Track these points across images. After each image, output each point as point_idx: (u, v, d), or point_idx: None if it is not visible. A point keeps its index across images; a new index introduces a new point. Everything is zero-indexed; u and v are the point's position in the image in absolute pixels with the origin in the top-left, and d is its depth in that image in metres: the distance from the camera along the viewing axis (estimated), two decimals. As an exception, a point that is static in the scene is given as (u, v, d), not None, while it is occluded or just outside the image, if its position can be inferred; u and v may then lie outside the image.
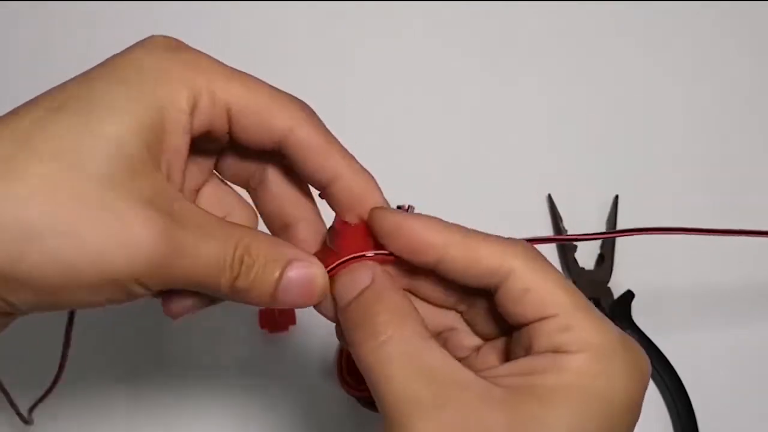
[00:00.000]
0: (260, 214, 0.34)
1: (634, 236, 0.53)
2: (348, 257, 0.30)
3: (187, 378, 0.49)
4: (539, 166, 0.56)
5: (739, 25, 0.62)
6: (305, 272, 0.29)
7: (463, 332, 0.33)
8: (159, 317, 0.50)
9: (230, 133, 0.30)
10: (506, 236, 0.30)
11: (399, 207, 0.52)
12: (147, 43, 0.29)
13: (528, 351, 0.28)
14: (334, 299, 0.30)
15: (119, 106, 0.27)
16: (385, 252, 0.30)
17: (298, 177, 0.32)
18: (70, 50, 0.58)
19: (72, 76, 0.28)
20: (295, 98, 0.31)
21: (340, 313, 0.30)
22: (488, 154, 0.56)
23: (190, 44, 0.30)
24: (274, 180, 0.33)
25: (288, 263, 0.29)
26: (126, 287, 0.27)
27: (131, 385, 0.48)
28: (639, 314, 0.51)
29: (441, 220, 0.30)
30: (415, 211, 0.52)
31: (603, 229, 0.53)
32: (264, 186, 0.33)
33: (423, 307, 0.32)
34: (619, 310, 0.50)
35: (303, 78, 0.58)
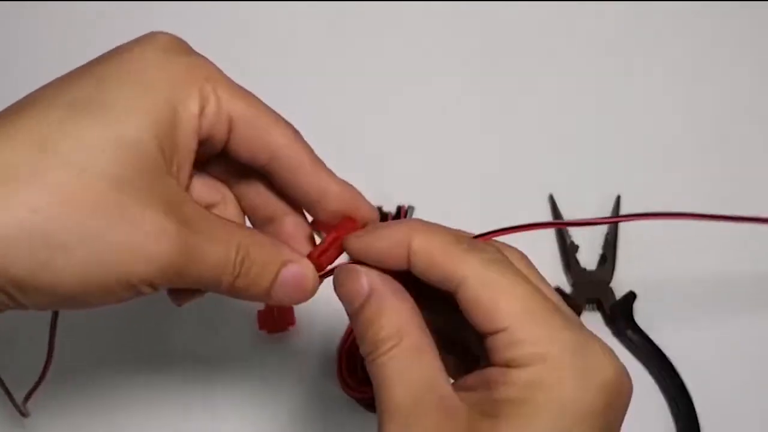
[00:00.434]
0: (242, 207, 0.35)
1: (637, 235, 0.53)
2: (334, 266, 0.32)
3: (186, 378, 0.49)
4: (541, 166, 0.56)
5: (740, 24, 0.61)
6: (297, 272, 0.31)
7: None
8: (157, 313, 0.50)
9: (226, 142, 0.31)
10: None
11: (398, 207, 0.52)
12: (154, 41, 0.30)
13: (489, 361, 0.28)
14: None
15: (134, 108, 0.27)
16: None
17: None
18: (68, 48, 0.58)
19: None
20: (285, 119, 0.32)
21: (351, 322, 0.31)
22: (489, 154, 0.56)
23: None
24: (257, 182, 0.34)
25: (283, 264, 0.31)
26: (137, 289, 0.28)
27: (130, 385, 0.48)
28: (641, 315, 0.50)
29: (401, 224, 0.30)
30: (416, 211, 0.52)
31: (605, 229, 0.53)
32: (247, 185, 0.34)
33: None
34: (621, 311, 0.50)
35: (304, 78, 0.58)
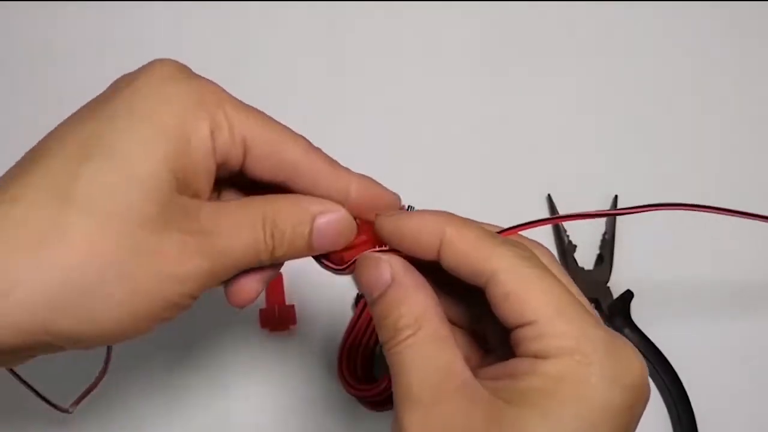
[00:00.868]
0: None
1: (635, 234, 0.53)
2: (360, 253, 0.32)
3: (188, 377, 0.49)
4: (539, 166, 0.56)
5: (742, 24, 0.62)
6: (331, 220, 0.31)
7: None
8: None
9: (243, 162, 0.31)
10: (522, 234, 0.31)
11: (399, 207, 0.52)
12: (157, 71, 0.30)
13: (514, 355, 0.29)
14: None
15: (145, 144, 0.28)
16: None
17: None
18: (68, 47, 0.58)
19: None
20: (294, 132, 0.32)
21: (370, 309, 0.31)
22: (488, 154, 0.56)
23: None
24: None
25: (313, 218, 0.31)
26: (180, 305, 0.29)
27: (131, 383, 0.49)
28: (638, 314, 0.51)
29: (436, 213, 0.30)
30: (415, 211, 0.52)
31: (603, 229, 0.54)
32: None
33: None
34: (618, 310, 0.51)
35: (304, 79, 0.58)
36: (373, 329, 0.47)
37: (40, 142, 0.29)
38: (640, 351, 0.49)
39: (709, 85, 0.59)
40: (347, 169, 0.33)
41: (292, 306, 0.49)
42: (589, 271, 0.52)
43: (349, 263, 0.32)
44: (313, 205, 0.31)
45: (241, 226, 0.30)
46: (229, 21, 0.60)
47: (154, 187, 0.27)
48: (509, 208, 0.54)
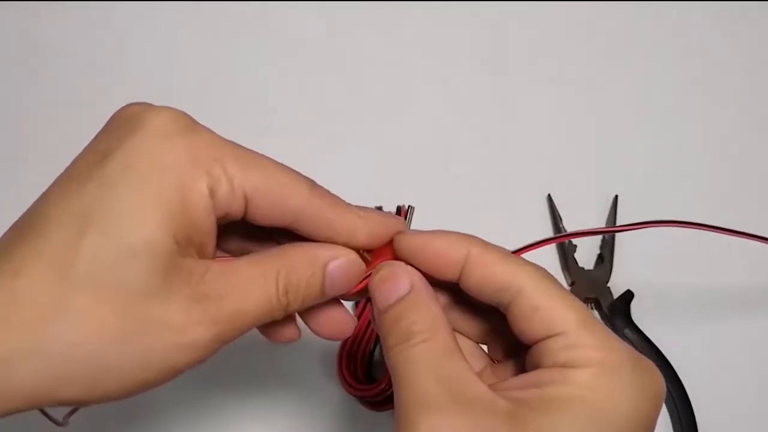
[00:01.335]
0: None
1: (635, 233, 0.53)
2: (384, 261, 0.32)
3: (186, 377, 0.49)
4: (539, 166, 0.56)
5: (744, 24, 0.62)
6: (341, 263, 0.31)
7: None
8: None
9: (244, 214, 0.30)
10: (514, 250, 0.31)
11: (398, 207, 0.53)
12: (152, 127, 0.28)
13: (537, 367, 0.29)
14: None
15: (142, 210, 0.27)
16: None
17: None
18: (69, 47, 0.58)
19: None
20: (298, 174, 0.31)
21: (378, 315, 0.31)
22: (488, 155, 0.56)
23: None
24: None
25: (325, 266, 0.31)
26: (183, 371, 0.29)
27: None
28: (638, 314, 0.51)
29: (460, 234, 0.31)
30: (415, 211, 0.52)
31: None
32: (276, 237, 0.34)
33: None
34: (618, 310, 0.51)
35: (305, 80, 0.59)
36: (374, 329, 0.47)
37: (37, 206, 0.28)
38: (640, 351, 0.49)
39: (710, 85, 0.60)
40: (351, 209, 0.32)
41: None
42: (589, 271, 0.52)
43: (355, 292, 0.33)
44: (323, 253, 0.31)
45: (253, 285, 0.30)
46: (226, 22, 0.60)
47: (154, 255, 0.27)
48: (509, 208, 0.54)
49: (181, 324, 0.28)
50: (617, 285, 0.52)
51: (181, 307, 0.28)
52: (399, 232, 0.32)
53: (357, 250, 0.32)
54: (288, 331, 0.34)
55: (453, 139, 0.57)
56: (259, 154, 0.30)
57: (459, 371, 0.28)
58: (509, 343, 0.32)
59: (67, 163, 0.29)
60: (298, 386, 0.49)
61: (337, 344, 0.48)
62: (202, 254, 0.29)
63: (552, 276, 0.30)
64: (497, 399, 0.28)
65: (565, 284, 0.52)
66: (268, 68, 0.59)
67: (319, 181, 0.32)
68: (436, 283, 0.31)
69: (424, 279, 0.31)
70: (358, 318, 0.48)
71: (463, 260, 0.30)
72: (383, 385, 0.45)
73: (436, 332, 0.29)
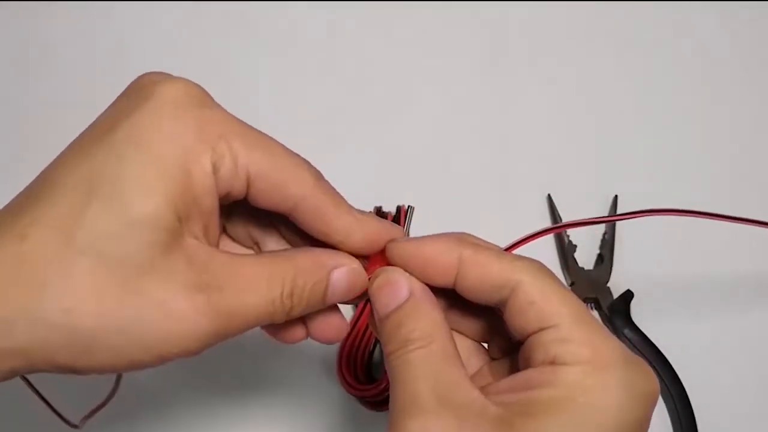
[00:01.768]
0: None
1: (635, 233, 0.53)
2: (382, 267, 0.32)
3: (186, 377, 0.49)
4: (539, 166, 0.56)
5: (744, 24, 0.62)
6: (345, 271, 0.31)
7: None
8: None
9: (246, 194, 0.30)
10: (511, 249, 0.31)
11: (398, 207, 0.53)
12: (165, 96, 0.28)
13: (527, 363, 0.29)
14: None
15: (147, 182, 0.27)
16: None
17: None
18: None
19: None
20: (303, 160, 0.31)
21: (379, 322, 0.31)
22: (488, 154, 0.56)
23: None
24: (285, 230, 0.34)
25: (329, 273, 0.31)
26: (173, 360, 0.29)
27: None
28: (638, 314, 0.51)
29: (450, 237, 0.31)
30: (415, 211, 0.52)
31: (603, 229, 0.54)
32: (279, 223, 0.34)
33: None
34: (618, 310, 0.51)
35: (305, 80, 0.59)
36: (373, 329, 0.47)
37: (47, 171, 0.29)
38: (639, 351, 0.50)
39: (710, 85, 0.60)
40: (352, 211, 0.32)
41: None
42: (589, 271, 0.52)
43: (354, 297, 0.33)
44: (329, 260, 0.31)
45: (258, 284, 0.29)
46: (226, 21, 0.60)
47: (154, 228, 0.27)
48: (509, 208, 0.54)
49: (178, 308, 0.27)
50: (617, 285, 0.52)
51: (181, 291, 0.27)
52: (392, 240, 0.32)
53: (356, 256, 0.32)
54: (297, 332, 0.34)
55: (453, 139, 0.57)
56: (268, 136, 0.30)
57: (453, 377, 0.28)
58: (507, 342, 0.32)
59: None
60: (298, 386, 0.49)
61: (337, 345, 0.48)
62: (206, 236, 0.29)
63: (548, 270, 0.30)
64: (488, 405, 0.27)
65: (565, 284, 0.52)
66: (268, 68, 0.59)
67: (319, 181, 0.32)
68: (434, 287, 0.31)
69: (423, 285, 0.31)
70: (358, 318, 0.48)
71: (457, 264, 0.30)
72: (383, 385, 0.45)
73: (434, 339, 0.29)
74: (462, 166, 0.56)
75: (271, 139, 0.30)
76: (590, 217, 0.53)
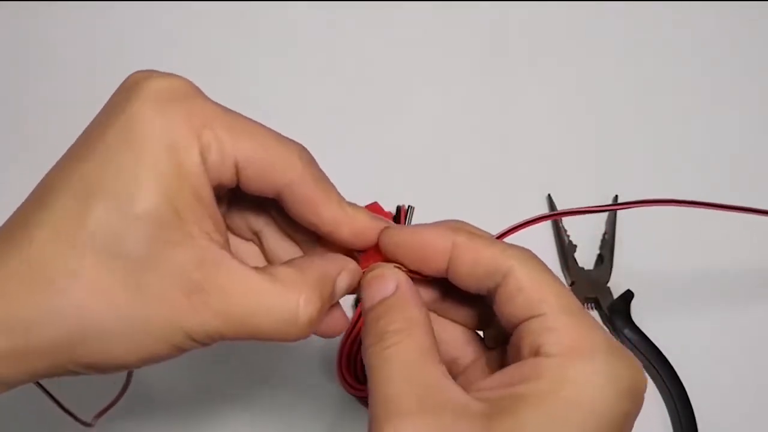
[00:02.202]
0: (267, 257, 0.35)
1: (635, 234, 0.53)
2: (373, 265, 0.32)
3: (191, 377, 0.49)
4: (539, 166, 0.56)
5: (741, 24, 0.62)
6: (345, 276, 0.32)
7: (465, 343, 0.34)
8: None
9: (237, 182, 0.31)
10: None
11: (398, 207, 0.53)
12: (148, 91, 0.29)
13: (516, 353, 0.29)
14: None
15: (141, 179, 0.27)
16: (401, 267, 0.32)
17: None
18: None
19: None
20: (295, 146, 0.31)
21: (364, 316, 0.31)
22: (488, 154, 0.56)
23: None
24: (281, 219, 0.34)
25: (334, 282, 0.31)
26: (189, 350, 0.29)
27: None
28: (638, 314, 0.51)
29: (445, 224, 0.31)
30: (415, 211, 0.52)
31: (603, 229, 0.54)
32: (271, 227, 0.34)
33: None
34: (618, 310, 0.51)
35: (305, 79, 0.59)
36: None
37: (46, 178, 0.29)
38: (639, 351, 0.50)
39: (710, 85, 0.60)
40: (342, 201, 0.32)
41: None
42: (589, 271, 0.52)
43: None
44: (333, 269, 0.31)
45: (264, 297, 0.29)
46: (225, 21, 0.60)
47: (153, 225, 0.27)
48: (509, 208, 0.54)
49: (180, 305, 0.28)
50: (617, 285, 0.52)
51: (179, 286, 0.28)
52: (386, 228, 0.32)
53: (349, 251, 0.33)
54: (337, 317, 0.34)
55: (453, 139, 0.57)
56: (255, 122, 0.30)
57: (432, 375, 0.28)
58: (497, 332, 0.32)
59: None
60: (299, 386, 0.49)
61: (337, 344, 0.48)
62: (217, 230, 0.29)
63: (538, 258, 0.30)
64: (471, 402, 0.27)
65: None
66: (267, 68, 0.59)
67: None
68: (426, 276, 0.31)
69: (409, 281, 0.31)
70: (358, 318, 0.48)
71: (450, 249, 0.30)
72: (383, 385, 0.45)
73: (411, 333, 0.29)
74: (462, 166, 0.56)
75: (260, 125, 0.30)
76: (592, 226, 0.53)
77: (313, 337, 0.50)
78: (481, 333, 0.34)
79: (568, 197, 0.54)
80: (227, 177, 0.30)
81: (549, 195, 0.55)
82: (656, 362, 0.49)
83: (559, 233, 0.53)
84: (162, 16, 0.60)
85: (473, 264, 0.30)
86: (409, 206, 0.53)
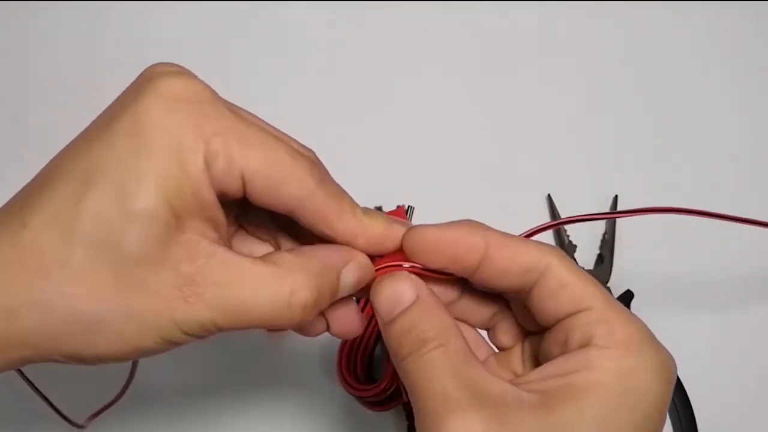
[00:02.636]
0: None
1: (635, 233, 0.53)
2: (386, 264, 0.32)
3: (189, 378, 0.49)
4: (539, 166, 0.56)
5: (741, 24, 0.62)
6: (353, 269, 0.31)
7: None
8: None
9: (244, 194, 0.30)
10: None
11: (399, 207, 0.53)
12: (163, 91, 0.28)
13: (563, 346, 0.29)
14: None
15: (143, 176, 0.27)
16: (420, 267, 0.31)
17: None
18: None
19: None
20: (307, 161, 0.30)
21: (384, 328, 0.31)
22: (488, 154, 0.56)
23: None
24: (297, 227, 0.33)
25: (339, 273, 0.31)
26: (180, 344, 0.29)
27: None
28: (638, 314, 0.50)
29: (471, 223, 0.31)
30: (415, 211, 0.52)
31: (603, 229, 0.54)
32: (289, 230, 0.34)
33: None
34: (618, 310, 0.51)
35: (304, 79, 0.58)
36: (374, 329, 0.47)
37: (51, 162, 0.29)
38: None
39: (711, 85, 0.59)
40: (355, 209, 0.31)
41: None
42: (589, 271, 0.52)
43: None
44: (338, 259, 0.31)
45: (260, 285, 0.29)
46: (225, 22, 0.60)
47: (148, 223, 0.27)
48: (509, 208, 0.54)
49: (173, 299, 0.27)
50: (617, 285, 0.52)
51: (173, 281, 0.27)
52: (411, 228, 0.31)
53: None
54: (318, 325, 0.34)
55: (453, 139, 0.57)
56: (269, 134, 0.30)
57: (477, 371, 0.29)
58: (516, 329, 0.33)
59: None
60: (299, 386, 0.49)
61: (337, 344, 0.48)
62: (215, 230, 0.29)
63: (569, 256, 0.31)
64: (521, 393, 0.28)
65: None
66: (267, 68, 0.59)
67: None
68: (440, 278, 0.31)
69: (427, 286, 0.31)
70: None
71: (483, 248, 0.30)
72: (383, 385, 0.45)
73: (449, 338, 0.29)
74: (462, 166, 0.56)
75: (274, 137, 0.30)
76: (592, 226, 0.53)
77: (314, 337, 0.50)
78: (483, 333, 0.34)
79: (568, 197, 0.54)
80: (233, 187, 0.29)
81: (549, 195, 0.55)
82: (656, 362, 0.49)
83: (559, 233, 0.53)
84: (162, 16, 0.60)
85: (509, 262, 0.30)
86: (409, 206, 0.53)
